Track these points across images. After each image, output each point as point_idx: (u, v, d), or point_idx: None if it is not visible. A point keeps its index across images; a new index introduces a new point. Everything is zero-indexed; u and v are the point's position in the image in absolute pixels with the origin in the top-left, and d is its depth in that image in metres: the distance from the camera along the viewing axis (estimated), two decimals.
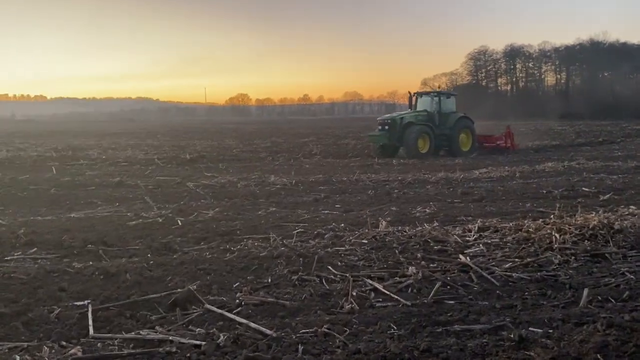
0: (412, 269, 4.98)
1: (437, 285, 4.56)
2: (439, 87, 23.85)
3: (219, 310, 3.90)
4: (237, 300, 4.12)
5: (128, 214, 8.03)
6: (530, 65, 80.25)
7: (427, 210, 8.56)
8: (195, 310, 3.94)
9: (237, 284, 4.54)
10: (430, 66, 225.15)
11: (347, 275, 4.78)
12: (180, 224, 7.31)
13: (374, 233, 6.34)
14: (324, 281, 4.68)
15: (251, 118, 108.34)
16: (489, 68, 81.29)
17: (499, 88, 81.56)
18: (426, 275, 4.87)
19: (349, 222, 7.45)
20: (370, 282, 4.66)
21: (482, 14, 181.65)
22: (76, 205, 8.85)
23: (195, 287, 4.25)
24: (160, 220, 7.51)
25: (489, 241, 6.24)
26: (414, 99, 23.05)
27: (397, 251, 5.73)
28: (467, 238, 6.39)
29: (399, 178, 13.00)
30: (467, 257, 5.51)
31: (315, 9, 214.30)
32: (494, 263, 5.39)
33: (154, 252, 5.67)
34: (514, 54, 79.03)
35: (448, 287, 4.72)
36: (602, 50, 71.48)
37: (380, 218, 7.25)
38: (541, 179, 13.01)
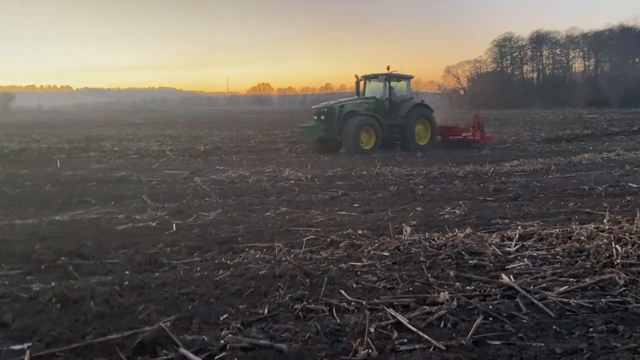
0: (444, 295, 3.99)
1: (478, 321, 3.58)
2: (388, 69, 18.91)
3: (196, 358, 2.98)
4: (222, 341, 3.20)
5: (120, 215, 7.18)
6: (557, 52, 77.96)
7: (457, 211, 7.54)
8: (166, 356, 3.05)
9: (225, 316, 3.62)
10: (453, 53, 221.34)
11: (364, 303, 3.84)
12: (174, 228, 6.43)
13: (397, 242, 5.36)
14: (334, 312, 3.73)
15: (273, 107, 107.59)
16: (514, 55, 79.05)
17: (525, 76, 79.26)
18: (462, 304, 3.89)
19: (367, 226, 6.49)
20: (393, 313, 3.70)
21: (507, 0, 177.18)
22: (67, 205, 8.04)
23: (170, 323, 3.34)
24: (153, 225, 6.64)
25: (535, 253, 5.20)
26: (361, 84, 19.54)
27: (424, 267, 4.75)
28: (508, 249, 5.37)
29: (424, 172, 11.97)
30: (511, 276, 4.51)
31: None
32: (544, 284, 4.37)
33: (134, 267, 4.79)
34: (540, 40, 76.73)
35: (490, 319, 3.73)
36: (633, 36, 68.93)
37: (404, 223, 6.26)
38: (580, 173, 11.86)
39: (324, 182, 10.76)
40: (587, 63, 77.22)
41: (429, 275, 4.51)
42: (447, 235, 5.77)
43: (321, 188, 9.96)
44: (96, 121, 41.24)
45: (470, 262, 4.92)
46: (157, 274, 4.54)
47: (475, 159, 15.31)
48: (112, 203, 8.26)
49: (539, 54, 78.42)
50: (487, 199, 8.68)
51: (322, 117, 17.91)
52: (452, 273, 4.58)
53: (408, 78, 19.68)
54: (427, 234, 5.86)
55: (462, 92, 78.68)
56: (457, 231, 5.95)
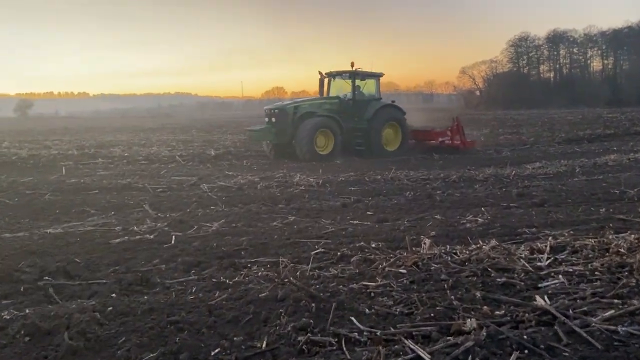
0: (471, 322, 3.46)
1: (513, 357, 3.03)
2: (352, 65, 16.88)
3: None
4: None
5: (117, 227, 6.73)
6: (575, 50, 76.73)
7: (479, 219, 6.98)
8: None
9: (216, 351, 3.12)
10: (469, 54, 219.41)
11: (378, 333, 3.32)
12: (173, 241, 5.96)
13: (415, 257, 4.82)
14: (343, 344, 3.21)
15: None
16: (530, 55, 77.87)
17: (541, 75, 78.03)
18: (492, 333, 3.34)
19: (382, 238, 5.96)
20: (412, 345, 3.17)
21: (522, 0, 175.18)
22: (64, 216, 7.63)
23: None
24: (151, 237, 6.18)
25: (570, 269, 4.63)
26: (325, 81, 17.53)
27: (446, 286, 4.20)
28: (539, 263, 4.81)
29: (441, 175, 11.41)
30: (545, 297, 3.95)
31: (349, 0, 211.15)
32: (584, 307, 3.80)
33: (123, 288, 4.32)
34: (557, 39, 75.58)
35: (526, 352, 3.18)
36: None
37: (422, 235, 5.71)
38: (607, 175, 11.20)
39: (336, 187, 10.25)
40: (605, 61, 75.91)
41: (452, 297, 3.96)
42: (470, 248, 5.22)
43: (332, 194, 9.45)
44: (111, 127, 41.18)
45: (498, 280, 4.37)
46: (146, 297, 4.06)
47: (495, 161, 14.70)
48: (112, 213, 7.83)
49: (555, 53, 77.25)
50: (511, 205, 8.10)
51: (274, 119, 15.90)
52: (478, 294, 4.03)
53: (376, 76, 17.59)
54: (448, 246, 5.32)
55: (477, 92, 77.70)
56: (481, 243, 5.39)
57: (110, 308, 3.69)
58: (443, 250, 5.11)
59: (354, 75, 16.81)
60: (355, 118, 16.59)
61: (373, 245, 5.40)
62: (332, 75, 17.58)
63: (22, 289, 4.24)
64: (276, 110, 15.95)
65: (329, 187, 10.32)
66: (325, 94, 17.43)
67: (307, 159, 15.00)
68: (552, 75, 78.24)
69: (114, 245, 5.79)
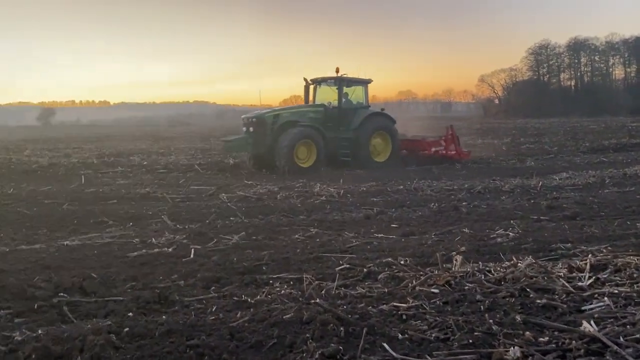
0: (514, 351, 3.18)
1: None
2: (337, 71, 15.80)
3: None
4: None
5: (135, 239, 6.56)
6: (596, 58, 75.76)
7: (510, 233, 6.67)
8: None
9: None
10: (487, 62, 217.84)
11: None
12: (192, 255, 5.75)
13: (447, 275, 4.55)
14: None
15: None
16: (551, 63, 77.00)
17: (562, 84, 77.06)
18: None
19: (409, 253, 5.69)
20: None
21: (542, 7, 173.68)
22: (82, 227, 7.49)
23: None
24: (169, 250, 5.99)
25: (615, 290, 4.32)
26: (311, 88, 16.50)
27: (483, 307, 3.92)
28: (580, 283, 4.49)
29: (466, 186, 11.09)
30: (592, 322, 3.65)
31: (366, 8, 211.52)
32: (637, 334, 3.50)
33: (140, 306, 4.11)
34: (578, 47, 74.70)
35: None
36: None
37: (453, 252, 5.42)
38: (639, 187, 10.80)
39: (358, 198, 10.01)
40: (628, 69, 74.75)
41: (491, 320, 3.67)
42: (504, 265, 4.92)
43: (355, 205, 9.20)
44: (130, 135, 41.46)
45: (538, 301, 4.06)
46: (164, 316, 3.84)
47: (520, 171, 14.33)
48: (130, 224, 7.67)
49: (577, 61, 76.35)
50: (542, 217, 7.78)
51: (251, 129, 14.92)
52: (518, 317, 3.74)
53: (364, 83, 16.55)
54: (480, 263, 5.02)
55: (497, 101, 76.98)
56: (515, 259, 5.09)
57: (127, 329, 3.48)
58: (476, 268, 4.82)
59: (340, 81, 15.84)
60: (340, 127, 15.60)
61: (401, 262, 5.13)
62: (317, 81, 16.50)
63: (35, 307, 4.06)
64: (254, 119, 15.04)
65: (351, 197, 10.08)
66: (311, 102, 16.50)
67: (287, 171, 13.95)
68: (573, 83, 77.32)
69: (132, 259, 5.61)
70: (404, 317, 3.74)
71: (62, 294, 4.34)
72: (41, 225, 7.56)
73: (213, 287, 4.64)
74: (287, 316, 3.67)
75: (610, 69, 75.59)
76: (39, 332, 3.48)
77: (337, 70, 15.87)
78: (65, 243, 6.36)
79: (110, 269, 5.21)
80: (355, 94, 16.43)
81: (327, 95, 16.16)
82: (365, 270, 4.95)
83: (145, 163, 17.96)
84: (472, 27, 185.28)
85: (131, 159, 19.40)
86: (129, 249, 6.05)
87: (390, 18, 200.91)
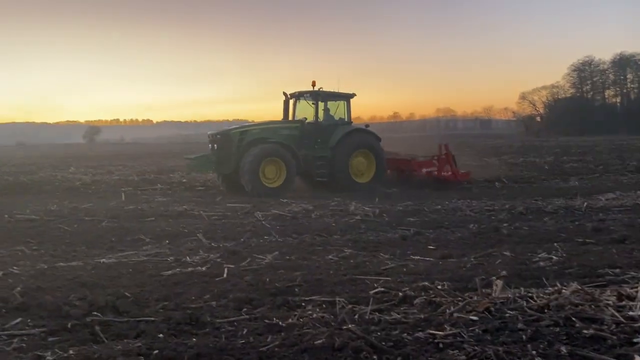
0: None
1: None
2: (313, 85, 14.72)
3: None
4: None
5: (170, 258, 6.58)
6: None
7: (554, 257, 6.38)
8: None
9: None
10: (529, 79, 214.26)
11: None
12: (225, 275, 5.71)
13: (486, 302, 4.35)
14: None
15: None
16: (594, 79, 74.95)
17: (607, 101, 74.89)
18: None
19: (447, 277, 5.49)
20: None
21: (585, 22, 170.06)
22: (119, 244, 7.58)
23: None
24: (203, 269, 5.97)
25: None
26: (291, 103, 15.39)
27: (525, 337, 3.71)
28: (630, 312, 4.21)
29: (507, 206, 10.76)
30: None
31: (402, 25, 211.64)
32: None
33: (171, 327, 4.07)
34: (623, 63, 72.56)
35: None
36: None
37: (493, 277, 5.20)
38: None
39: (394, 218, 9.83)
40: None
41: (534, 351, 3.47)
42: (547, 292, 4.68)
43: (390, 225, 9.03)
44: (172, 152, 42.29)
45: (585, 332, 3.82)
46: (194, 339, 3.79)
47: (563, 191, 13.88)
48: (166, 242, 7.72)
49: (622, 77, 74.11)
50: (587, 240, 7.44)
51: (216, 146, 14.01)
52: (563, 349, 3.52)
53: (346, 97, 15.26)
54: (522, 288, 4.79)
55: (538, 118, 75.36)
56: (559, 285, 4.84)
57: (156, 351, 3.44)
58: (517, 294, 4.60)
59: (316, 95, 14.70)
60: (315, 145, 14.47)
61: (438, 286, 4.95)
62: (295, 96, 15.35)
63: (69, 325, 4.07)
64: (218, 136, 14.13)
65: (386, 217, 9.92)
66: (291, 117, 15.49)
67: (254, 193, 13.13)
68: (618, 100, 75.08)
69: (165, 278, 5.61)
70: (441, 345, 3.57)
71: (95, 312, 4.35)
72: (80, 242, 7.69)
73: (245, 309, 4.57)
74: (319, 342, 3.56)
75: None
76: (70, 352, 3.48)
77: (314, 84, 14.78)
78: (102, 260, 6.44)
79: (144, 287, 5.22)
80: (338, 110, 15.35)
81: (306, 111, 15.06)
82: (400, 294, 4.79)
83: (184, 180, 18.20)
84: (512, 44, 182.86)
85: (171, 176, 19.69)
86: (163, 268, 6.06)
87: (429, 35, 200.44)
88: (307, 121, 14.78)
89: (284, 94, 15.38)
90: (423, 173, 15.27)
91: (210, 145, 14.36)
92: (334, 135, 14.45)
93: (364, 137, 14.97)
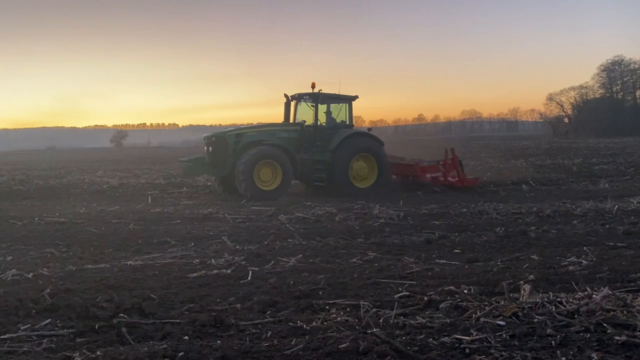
0: None
1: None
2: (312, 86, 14.37)
3: None
4: None
5: (195, 260, 6.64)
6: None
7: (583, 261, 6.24)
8: None
9: None
10: (556, 80, 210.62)
11: None
12: (250, 277, 5.74)
13: (514, 306, 4.27)
14: None
15: None
16: (625, 79, 73.11)
17: (638, 101, 72.99)
18: None
19: (473, 281, 5.41)
20: None
21: (614, 22, 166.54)
22: (146, 246, 7.68)
23: None
24: (228, 272, 6.00)
25: None
26: (292, 105, 15.05)
27: (554, 343, 3.63)
28: None
29: (534, 209, 10.57)
30: None
31: (429, 27, 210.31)
32: None
33: (196, 329, 4.10)
34: None
35: None
36: None
37: (521, 281, 5.11)
38: None
39: (418, 221, 9.73)
40: None
41: (563, 358, 3.40)
42: (577, 297, 4.57)
43: (415, 228, 8.95)
44: (198, 155, 42.57)
45: (617, 338, 3.72)
46: (219, 341, 3.80)
47: (592, 193, 13.57)
48: (191, 244, 7.80)
49: None
50: (618, 244, 7.26)
51: (211, 149, 13.79)
52: (594, 356, 3.43)
53: (347, 100, 14.83)
54: (550, 293, 4.69)
55: (566, 120, 73.91)
56: (589, 290, 4.72)
57: (182, 354, 3.47)
58: (546, 298, 4.50)
59: (315, 97, 14.30)
60: (313, 148, 14.10)
61: (465, 291, 4.88)
62: (296, 98, 14.96)
63: (96, 327, 4.13)
64: (213, 139, 13.89)
65: (411, 220, 9.83)
66: (292, 120, 15.17)
67: (248, 196, 12.95)
68: None
69: (191, 280, 5.66)
70: (467, 351, 3.52)
71: (122, 314, 4.41)
72: (107, 244, 7.82)
73: (269, 311, 4.57)
74: (343, 345, 3.54)
75: None
76: (98, 353, 3.52)
77: (313, 86, 14.40)
78: (128, 263, 6.53)
79: (170, 289, 5.27)
80: (341, 113, 14.93)
81: (307, 113, 14.74)
82: (425, 298, 4.73)
83: (209, 184, 18.35)
84: (539, 44, 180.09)
85: (197, 180, 19.89)
86: (188, 270, 6.12)
87: (453, 36, 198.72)
88: (306, 124, 14.57)
89: (285, 95, 15.09)
90: (428, 178, 14.83)
91: (205, 147, 14.24)
92: (333, 139, 14.12)
93: (365, 141, 14.58)
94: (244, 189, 13.18)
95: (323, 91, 14.51)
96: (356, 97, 14.97)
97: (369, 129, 15.61)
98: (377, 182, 14.34)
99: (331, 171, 13.90)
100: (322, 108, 14.63)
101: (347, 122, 14.90)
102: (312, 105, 14.41)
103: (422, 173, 14.87)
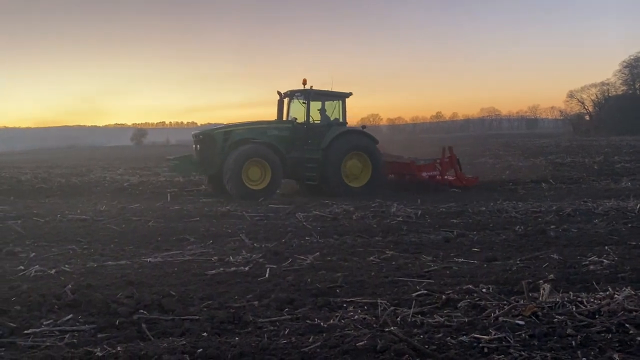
0: None
1: None
2: (304, 83, 14.12)
3: None
4: None
5: (213, 257, 6.70)
6: None
7: (605, 260, 6.16)
8: None
9: None
10: (577, 77, 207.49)
11: None
12: (267, 275, 5.78)
13: (533, 306, 4.23)
14: None
15: (381, 136, 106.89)
16: None
17: None
18: None
19: (492, 280, 5.38)
20: None
21: (637, 17, 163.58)
22: (165, 243, 7.77)
23: None
24: (246, 269, 6.05)
25: None
26: (285, 102, 14.81)
27: (575, 343, 3.60)
28: None
29: (554, 208, 10.45)
30: None
31: (446, 24, 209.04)
32: None
33: (215, 326, 4.14)
34: None
35: None
36: None
37: (540, 280, 5.06)
38: None
39: (436, 219, 9.69)
40: None
41: (584, 358, 3.36)
42: (598, 296, 4.51)
43: (433, 227, 8.91)
44: None
45: (639, 338, 3.68)
46: (237, 338, 3.84)
47: (614, 192, 13.35)
48: (210, 242, 7.87)
49: None
50: None
51: (199, 147, 13.65)
52: (616, 357, 3.39)
53: (340, 97, 14.56)
54: (571, 293, 4.64)
55: (587, 117, 72.78)
56: (610, 290, 4.66)
57: (200, 350, 3.50)
58: (566, 298, 4.46)
59: (306, 94, 14.03)
60: (305, 146, 13.85)
61: (483, 290, 4.85)
62: (288, 95, 14.73)
63: (117, 323, 4.20)
64: (201, 136, 13.78)
65: (429, 218, 9.79)
66: (285, 117, 14.94)
67: (236, 195, 12.80)
68: None
69: (209, 278, 5.71)
70: (486, 350, 3.50)
71: (142, 310, 4.47)
72: (128, 241, 7.92)
73: (286, 309, 4.60)
74: (360, 343, 3.54)
75: None
76: (118, 348, 3.58)
77: (304, 82, 14.13)
78: (148, 260, 6.61)
79: (189, 286, 5.33)
80: (335, 110, 14.60)
81: (299, 110, 14.43)
82: (443, 297, 4.72)
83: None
84: (559, 40, 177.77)
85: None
86: (207, 267, 6.18)
87: (470, 31, 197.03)
88: (297, 121, 14.34)
89: (278, 93, 14.85)
90: (424, 177, 14.62)
91: (193, 145, 14.08)
92: (326, 137, 13.80)
93: (358, 139, 14.25)
94: (232, 188, 13.02)
95: (315, 88, 14.27)
96: (350, 94, 14.72)
97: (363, 127, 15.40)
98: (371, 181, 14.05)
99: (323, 170, 13.62)
100: (316, 105, 14.42)
101: (341, 120, 14.63)
102: (303, 102, 14.17)
103: (419, 172, 14.67)
